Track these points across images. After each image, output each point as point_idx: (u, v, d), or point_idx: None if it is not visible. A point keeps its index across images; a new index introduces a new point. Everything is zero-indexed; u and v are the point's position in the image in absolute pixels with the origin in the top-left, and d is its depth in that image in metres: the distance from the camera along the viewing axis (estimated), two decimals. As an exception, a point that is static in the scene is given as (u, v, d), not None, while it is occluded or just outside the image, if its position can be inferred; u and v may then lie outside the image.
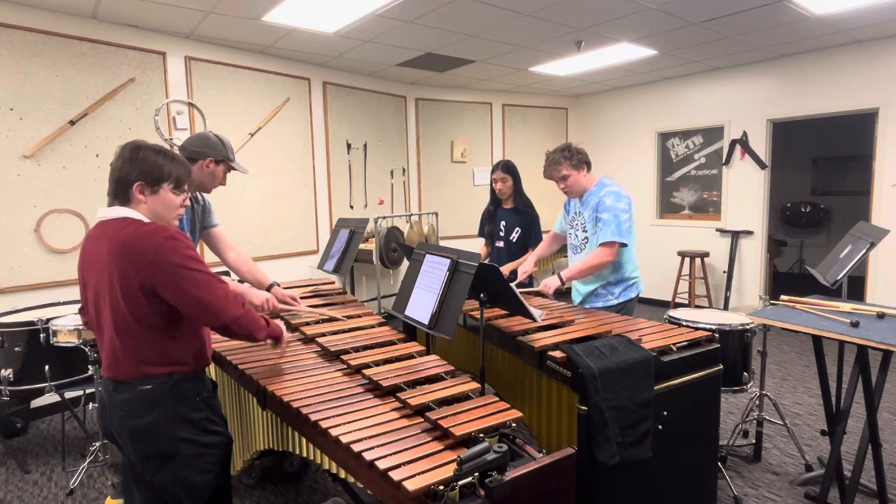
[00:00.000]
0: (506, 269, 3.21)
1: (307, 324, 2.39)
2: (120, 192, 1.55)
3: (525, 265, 3.05)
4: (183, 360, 1.57)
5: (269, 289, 2.46)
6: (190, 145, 2.26)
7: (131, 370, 1.51)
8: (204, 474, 1.59)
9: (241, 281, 2.68)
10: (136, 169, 1.53)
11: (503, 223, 3.50)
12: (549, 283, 2.67)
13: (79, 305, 1.75)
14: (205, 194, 2.42)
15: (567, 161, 2.71)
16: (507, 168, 3.45)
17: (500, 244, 3.51)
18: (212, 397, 1.67)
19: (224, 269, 2.77)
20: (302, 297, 2.57)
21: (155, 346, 1.52)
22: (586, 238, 2.79)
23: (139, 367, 1.51)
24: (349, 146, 5.67)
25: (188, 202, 1.71)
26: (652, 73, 6.06)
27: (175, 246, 1.48)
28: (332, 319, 2.42)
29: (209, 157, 2.24)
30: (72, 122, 3.74)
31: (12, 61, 3.50)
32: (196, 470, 1.57)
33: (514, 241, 3.44)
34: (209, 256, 2.65)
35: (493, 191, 3.55)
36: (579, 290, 2.88)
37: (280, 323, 1.88)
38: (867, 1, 3.84)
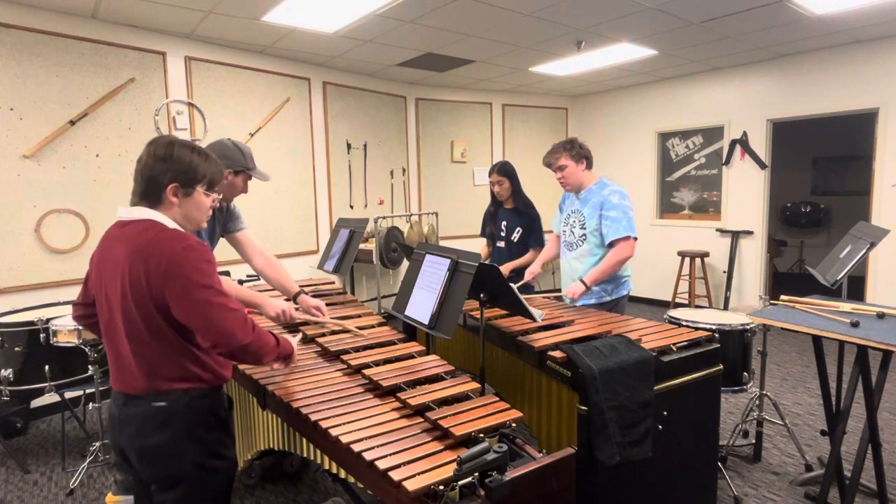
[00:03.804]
0: (506, 269, 3.22)
1: (323, 335, 2.29)
2: (150, 193, 1.44)
3: (533, 266, 3.08)
4: (200, 376, 1.46)
5: (295, 297, 2.31)
6: None
7: (144, 384, 1.42)
8: (204, 502, 1.52)
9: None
10: (171, 169, 1.42)
11: (504, 223, 3.50)
12: (574, 289, 2.69)
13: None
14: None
15: (567, 152, 2.81)
16: (503, 171, 3.45)
17: (501, 244, 3.52)
18: (227, 416, 1.58)
19: (249, 271, 2.71)
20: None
21: (170, 360, 1.42)
22: (584, 235, 2.81)
23: (152, 381, 1.42)
24: (349, 146, 5.67)
25: (216, 203, 1.62)
26: (652, 73, 6.05)
27: (191, 257, 1.38)
28: (350, 332, 2.25)
29: (228, 170, 2.12)
30: (72, 122, 3.73)
31: (12, 61, 3.50)
32: (197, 496, 1.50)
33: (514, 241, 3.44)
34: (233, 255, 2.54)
35: (493, 192, 3.55)
36: None
37: (292, 340, 1.76)
38: (867, 1, 3.84)
